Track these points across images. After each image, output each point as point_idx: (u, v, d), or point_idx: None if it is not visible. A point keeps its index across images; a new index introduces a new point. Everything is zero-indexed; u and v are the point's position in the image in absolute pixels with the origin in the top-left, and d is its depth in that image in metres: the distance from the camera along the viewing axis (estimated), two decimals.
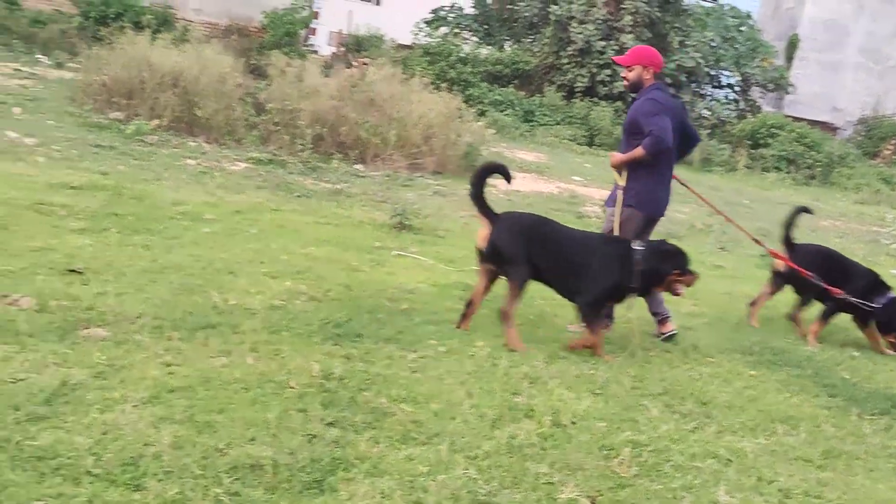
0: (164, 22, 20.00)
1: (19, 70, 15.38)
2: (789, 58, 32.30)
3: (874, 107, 31.16)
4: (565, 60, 23.47)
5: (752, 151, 22.95)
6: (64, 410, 3.50)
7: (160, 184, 8.66)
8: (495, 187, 12.49)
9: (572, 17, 23.09)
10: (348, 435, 3.68)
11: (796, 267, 6.86)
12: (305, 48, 22.54)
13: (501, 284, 5.56)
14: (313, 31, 24.63)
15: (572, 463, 3.74)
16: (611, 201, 6.19)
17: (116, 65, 12.43)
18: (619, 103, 22.43)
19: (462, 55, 23.21)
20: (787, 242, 7.15)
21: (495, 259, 5.45)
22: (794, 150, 22.88)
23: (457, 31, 26.59)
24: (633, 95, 6.26)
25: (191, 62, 12.39)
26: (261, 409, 3.78)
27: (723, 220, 11.54)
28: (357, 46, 24.45)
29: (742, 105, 27.15)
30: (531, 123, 21.57)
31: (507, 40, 26.99)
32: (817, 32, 32.53)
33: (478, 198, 5.45)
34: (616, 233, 5.92)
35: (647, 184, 5.96)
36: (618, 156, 6.03)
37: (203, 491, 3.08)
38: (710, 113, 25.07)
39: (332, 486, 3.28)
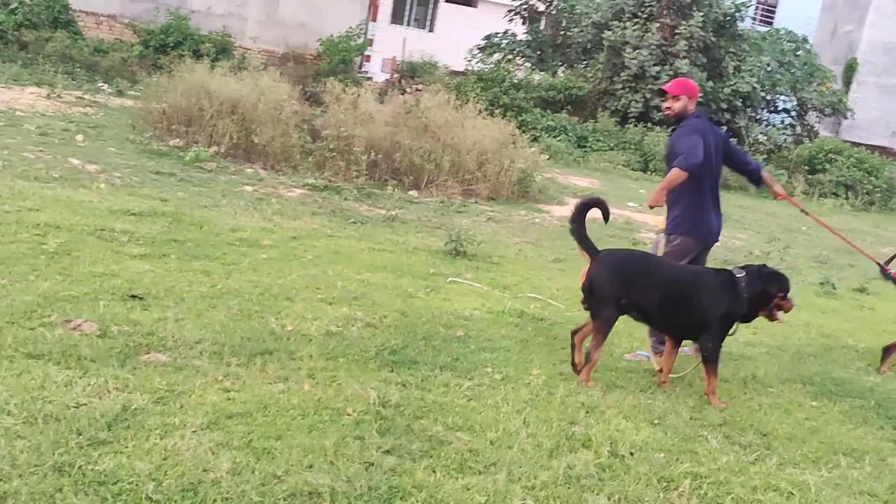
0: (223, 50, 20.37)
1: (82, 98, 15.76)
2: (847, 82, 31.79)
3: None
4: (619, 86, 23.39)
5: (810, 177, 22.60)
6: (125, 435, 3.54)
7: (218, 210, 8.79)
8: (549, 213, 12.47)
9: (626, 43, 23.04)
10: (405, 463, 3.67)
11: None
12: (360, 75, 22.74)
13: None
14: (368, 58, 24.84)
15: (631, 495, 3.70)
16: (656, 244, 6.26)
17: (176, 93, 12.69)
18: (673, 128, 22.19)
19: (515, 81, 23.23)
20: None
21: (589, 296, 5.35)
22: (852, 176, 22.50)
23: (510, 57, 26.66)
24: (674, 127, 6.28)
25: (248, 90, 12.59)
26: (318, 436, 3.80)
27: (781, 247, 11.49)
28: (411, 73, 24.65)
29: (799, 130, 26.75)
30: (584, 149, 21.48)
31: (560, 66, 26.97)
32: (876, 56, 31.98)
33: (578, 232, 5.37)
34: None
35: (689, 209, 5.99)
36: (652, 191, 5.94)
37: None
38: (765, 138, 24.74)
39: None
